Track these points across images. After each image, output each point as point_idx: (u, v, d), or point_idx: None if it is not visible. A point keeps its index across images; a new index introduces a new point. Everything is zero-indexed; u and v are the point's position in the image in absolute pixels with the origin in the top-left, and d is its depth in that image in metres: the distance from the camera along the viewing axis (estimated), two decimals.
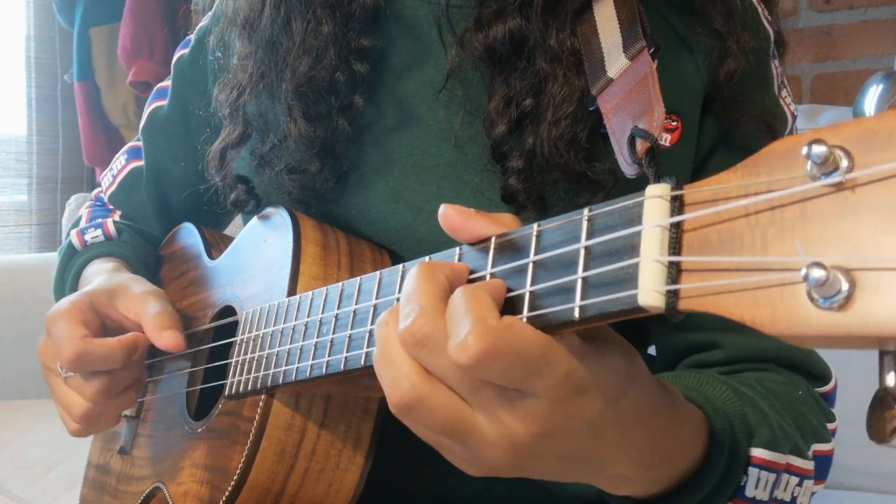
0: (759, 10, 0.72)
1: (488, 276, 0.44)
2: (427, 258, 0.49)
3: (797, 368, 0.69)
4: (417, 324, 0.41)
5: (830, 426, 0.68)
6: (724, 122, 0.69)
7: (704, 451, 0.53)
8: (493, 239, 0.45)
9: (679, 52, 0.69)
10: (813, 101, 1.76)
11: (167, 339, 0.71)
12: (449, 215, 0.46)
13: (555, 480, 0.47)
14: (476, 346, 0.38)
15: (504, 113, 0.65)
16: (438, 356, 0.41)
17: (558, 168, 0.64)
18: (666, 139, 0.67)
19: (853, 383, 1.26)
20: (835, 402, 0.71)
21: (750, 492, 0.56)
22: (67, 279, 0.92)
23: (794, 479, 0.59)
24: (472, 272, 0.45)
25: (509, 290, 0.42)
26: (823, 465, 0.65)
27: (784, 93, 0.73)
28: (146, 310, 0.73)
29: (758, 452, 0.56)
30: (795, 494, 0.60)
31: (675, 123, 0.67)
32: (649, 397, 0.45)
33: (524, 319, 0.41)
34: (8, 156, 2.60)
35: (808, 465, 0.61)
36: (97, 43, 2.45)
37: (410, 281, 0.43)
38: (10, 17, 2.59)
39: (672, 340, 0.73)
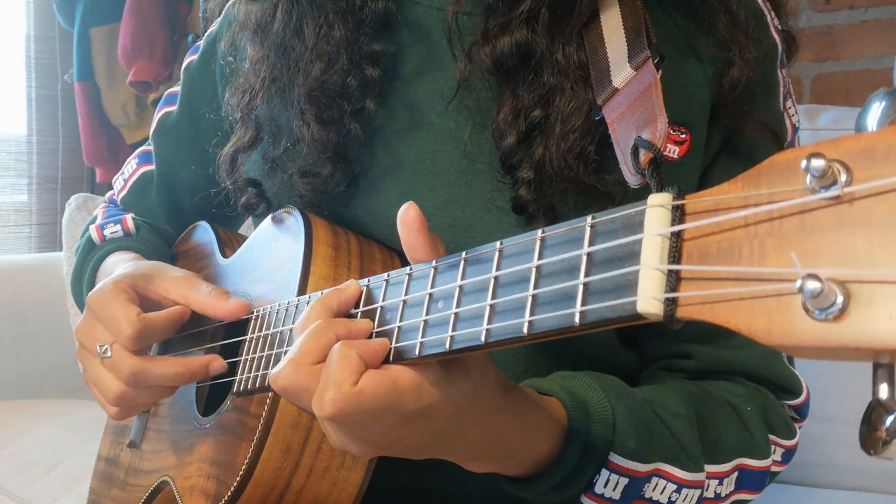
0: (768, 17, 0.71)
1: (492, 280, 0.44)
2: (321, 292, 0.56)
3: (764, 382, 0.72)
4: (283, 373, 0.50)
5: (787, 442, 0.72)
6: (728, 131, 0.70)
7: (562, 446, 0.59)
8: (497, 243, 0.45)
9: (690, 61, 0.69)
10: (813, 101, 1.76)
11: (234, 305, 0.71)
12: (412, 216, 0.49)
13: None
14: (329, 409, 0.46)
15: (513, 124, 0.66)
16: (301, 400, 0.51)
17: (568, 181, 0.65)
18: (674, 151, 0.67)
19: (853, 383, 1.27)
20: (807, 412, 0.75)
21: (599, 489, 0.61)
22: (86, 272, 0.93)
23: (671, 486, 0.63)
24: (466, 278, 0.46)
25: (514, 295, 0.43)
26: (749, 479, 0.69)
27: (789, 103, 0.73)
28: (197, 289, 0.73)
29: (613, 458, 0.61)
30: (673, 499, 0.64)
31: (683, 136, 0.68)
32: (491, 406, 0.52)
33: (525, 327, 0.41)
34: (8, 156, 2.59)
35: (692, 476, 0.64)
36: (97, 43, 2.44)
37: (304, 333, 0.51)
38: (10, 17, 2.58)
39: (651, 349, 0.76)
